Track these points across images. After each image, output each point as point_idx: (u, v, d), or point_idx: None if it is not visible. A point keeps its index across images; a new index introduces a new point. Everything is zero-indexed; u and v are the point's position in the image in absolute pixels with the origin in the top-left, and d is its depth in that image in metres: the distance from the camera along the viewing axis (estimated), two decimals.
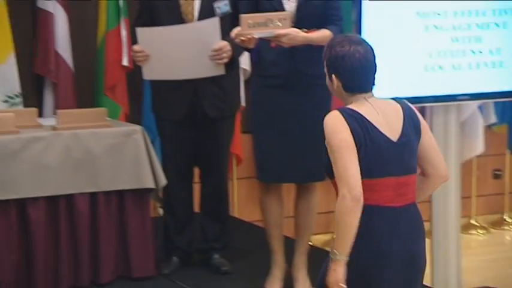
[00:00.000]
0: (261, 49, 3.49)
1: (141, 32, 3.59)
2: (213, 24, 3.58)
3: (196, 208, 4.09)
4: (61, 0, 4.52)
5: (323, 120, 2.52)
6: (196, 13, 3.69)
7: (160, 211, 4.39)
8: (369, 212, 2.43)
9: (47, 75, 4.56)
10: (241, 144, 4.83)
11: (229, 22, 3.60)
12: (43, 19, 4.51)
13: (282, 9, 3.45)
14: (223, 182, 4.00)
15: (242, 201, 5.10)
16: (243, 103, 4.68)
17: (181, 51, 3.59)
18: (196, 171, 4.09)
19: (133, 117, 4.68)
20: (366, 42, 2.54)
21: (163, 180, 3.79)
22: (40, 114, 4.27)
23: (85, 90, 4.66)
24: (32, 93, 4.59)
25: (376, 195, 2.45)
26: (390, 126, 2.49)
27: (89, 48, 4.68)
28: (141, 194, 3.77)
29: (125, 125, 4.01)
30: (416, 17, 4.22)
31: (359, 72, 2.46)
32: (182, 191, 3.93)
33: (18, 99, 4.41)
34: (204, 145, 3.88)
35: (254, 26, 3.28)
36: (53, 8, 4.49)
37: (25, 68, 4.52)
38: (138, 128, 3.86)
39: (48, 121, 3.95)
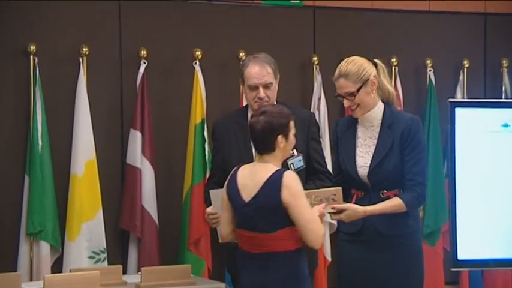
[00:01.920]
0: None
1: (213, 194, 3.50)
2: None
3: None
4: (149, 156, 4.60)
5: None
6: None
7: None
8: (238, 252, 3.23)
9: (132, 231, 4.58)
10: None
11: (303, 177, 3.51)
12: (131, 174, 4.58)
13: (355, 173, 3.38)
14: None
15: None
16: (328, 258, 4.61)
17: None
18: None
19: (216, 272, 4.63)
20: (268, 114, 3.15)
21: None
22: (124, 270, 4.30)
23: (169, 245, 4.66)
24: (116, 248, 4.62)
25: (240, 241, 3.22)
26: (250, 188, 3.16)
27: (174, 202, 4.69)
28: None
29: (208, 283, 4.01)
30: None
31: (253, 138, 3.19)
32: None
33: (103, 255, 4.44)
34: None
35: None
36: (141, 164, 4.57)
37: (111, 223, 4.56)
38: (222, 285, 3.84)
39: (133, 278, 3.96)
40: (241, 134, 3.60)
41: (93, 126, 4.49)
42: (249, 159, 3.52)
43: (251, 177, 3.14)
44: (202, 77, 4.66)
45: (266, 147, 3.15)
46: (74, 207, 4.42)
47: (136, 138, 4.58)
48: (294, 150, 3.52)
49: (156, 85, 4.73)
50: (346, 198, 3.37)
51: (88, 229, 4.42)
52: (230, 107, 4.70)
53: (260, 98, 3.57)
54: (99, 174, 4.49)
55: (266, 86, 3.59)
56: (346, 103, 3.35)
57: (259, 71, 3.58)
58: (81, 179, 4.43)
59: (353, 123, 3.47)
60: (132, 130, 4.60)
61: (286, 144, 3.19)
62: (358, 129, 3.44)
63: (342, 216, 3.27)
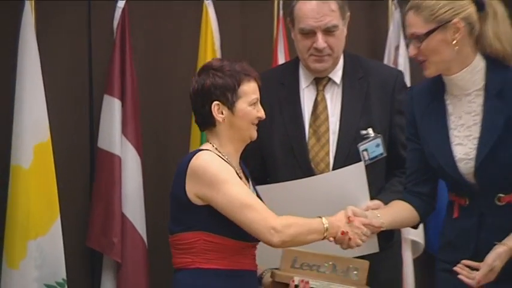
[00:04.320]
0: (446, 218, 3.00)
1: (261, 190, 3.08)
2: (356, 173, 3.08)
3: None
4: (133, 137, 3.85)
5: None
6: (331, 159, 3.22)
7: None
8: None
9: (107, 252, 3.88)
10: None
11: (380, 169, 3.16)
12: (105, 165, 3.85)
13: (455, 171, 2.91)
14: None
15: None
16: None
17: (312, 215, 3.00)
18: None
19: None
20: (206, 71, 2.80)
21: None
22: None
23: (162, 271, 3.94)
24: (82, 279, 3.98)
25: None
26: None
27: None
28: None
29: None
30: None
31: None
32: None
33: None
34: None
35: (301, 268, 2.97)
36: (121, 149, 3.84)
37: (74, 240, 3.88)
38: None
39: None
40: (288, 102, 3.25)
41: (46, 92, 3.72)
42: (300, 141, 3.24)
43: None
44: (215, 17, 3.99)
45: (201, 119, 2.83)
46: (18, 216, 3.69)
47: (113, 109, 3.84)
48: (369, 129, 3.23)
49: (142, 29, 4.02)
50: (449, 210, 2.93)
51: (39, 249, 3.71)
52: (257, 62, 3.84)
53: (318, 49, 3.17)
54: (55, 165, 3.73)
55: (328, 31, 3.19)
56: (411, 51, 2.94)
57: (318, 8, 3.20)
58: (27, 171, 3.70)
59: (437, 91, 2.98)
60: (106, 97, 3.86)
61: (233, 118, 2.75)
62: (447, 102, 2.95)
63: (489, 276, 2.79)
